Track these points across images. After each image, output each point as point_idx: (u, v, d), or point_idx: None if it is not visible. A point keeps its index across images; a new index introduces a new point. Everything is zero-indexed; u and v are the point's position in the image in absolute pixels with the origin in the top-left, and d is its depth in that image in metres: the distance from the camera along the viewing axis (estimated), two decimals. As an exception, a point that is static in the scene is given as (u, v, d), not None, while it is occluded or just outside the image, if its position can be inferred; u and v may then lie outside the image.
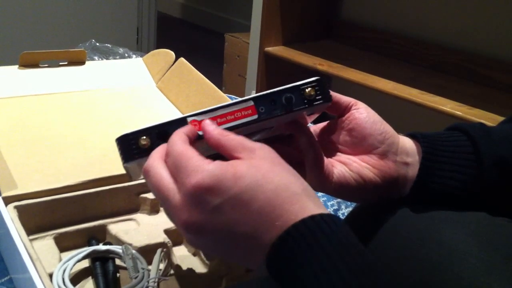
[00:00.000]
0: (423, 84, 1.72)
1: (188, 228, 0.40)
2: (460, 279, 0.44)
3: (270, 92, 0.48)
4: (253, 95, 0.48)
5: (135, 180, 0.53)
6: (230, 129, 0.46)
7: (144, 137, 0.45)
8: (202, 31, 3.85)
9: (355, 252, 0.37)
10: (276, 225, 0.38)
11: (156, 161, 0.43)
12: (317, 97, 0.49)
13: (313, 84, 0.49)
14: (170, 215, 0.42)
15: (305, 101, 0.49)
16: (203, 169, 0.39)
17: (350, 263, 0.36)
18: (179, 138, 0.43)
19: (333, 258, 0.37)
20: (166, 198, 0.41)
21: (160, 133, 0.45)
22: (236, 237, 0.39)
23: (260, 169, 0.39)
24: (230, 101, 0.48)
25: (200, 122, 0.46)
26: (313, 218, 0.38)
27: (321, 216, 0.38)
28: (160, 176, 0.41)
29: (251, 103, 0.47)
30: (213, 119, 0.46)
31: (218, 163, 0.40)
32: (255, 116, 0.47)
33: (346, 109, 0.53)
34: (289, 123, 0.51)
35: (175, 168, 0.41)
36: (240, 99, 0.48)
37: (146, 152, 0.45)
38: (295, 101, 0.48)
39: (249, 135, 0.49)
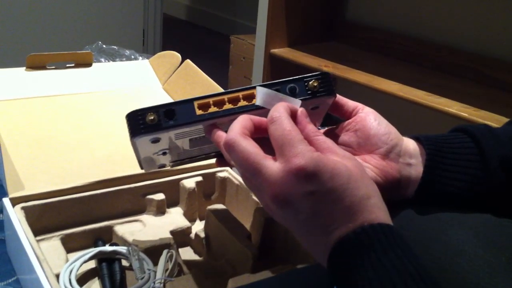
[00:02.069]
0: (429, 86, 1.71)
1: (276, 200, 0.42)
2: (466, 281, 0.44)
3: (275, 82, 0.50)
4: (258, 83, 0.49)
5: (142, 164, 0.54)
6: (233, 112, 0.48)
7: (152, 113, 0.46)
8: (208, 33, 3.86)
9: (415, 263, 0.40)
10: (349, 226, 0.41)
11: (238, 135, 0.44)
12: (320, 90, 0.50)
13: (318, 77, 0.51)
14: (258, 186, 0.44)
15: (309, 92, 0.50)
16: (310, 155, 0.41)
17: (411, 271, 0.39)
18: (286, 115, 0.45)
19: (394, 263, 0.39)
20: (258, 169, 0.43)
21: (167, 111, 0.47)
22: (313, 225, 0.42)
23: (352, 174, 0.42)
24: (236, 88, 0.49)
25: (206, 104, 0.47)
26: (381, 225, 0.41)
27: (388, 226, 0.41)
28: (249, 150, 0.43)
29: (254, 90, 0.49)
30: (218, 102, 0.48)
31: (322, 148, 0.43)
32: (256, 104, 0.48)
33: (353, 112, 0.55)
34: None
35: (282, 142, 0.43)
36: (244, 87, 0.49)
37: (152, 128, 0.47)
38: (298, 91, 0.50)
39: None
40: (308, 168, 0.41)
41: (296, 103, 0.47)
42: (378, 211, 0.42)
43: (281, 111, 0.45)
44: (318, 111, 0.54)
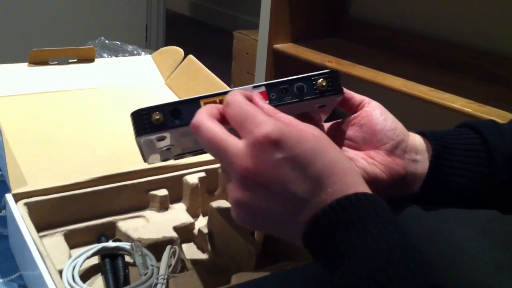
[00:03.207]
0: (433, 81, 1.71)
1: (246, 177, 0.40)
2: (471, 277, 0.44)
3: (283, 80, 0.49)
4: (266, 82, 0.48)
5: (146, 158, 0.54)
6: None
7: (157, 113, 0.46)
8: (211, 29, 3.85)
9: (400, 232, 0.38)
10: (328, 191, 0.39)
11: (205, 116, 0.43)
12: (328, 89, 0.50)
13: (325, 75, 0.50)
14: (228, 165, 0.42)
15: (317, 91, 0.49)
16: (272, 123, 0.40)
17: (397, 241, 0.37)
18: (241, 96, 0.44)
19: (381, 232, 0.37)
20: (224, 147, 0.41)
21: (174, 111, 0.46)
22: (288, 196, 0.40)
23: (320, 140, 0.41)
24: (243, 86, 0.49)
25: (210, 102, 0.47)
26: (365, 194, 0.39)
27: (372, 195, 0.40)
28: (214, 128, 0.42)
29: (263, 89, 0.48)
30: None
31: (285, 123, 0.41)
32: (266, 102, 0.48)
33: (359, 106, 0.54)
34: (302, 117, 0.52)
35: (241, 118, 0.42)
36: (253, 84, 0.48)
37: (158, 127, 0.46)
38: (306, 90, 0.49)
39: None
40: (273, 135, 0.39)
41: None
42: (353, 174, 0.41)
43: (235, 94, 0.44)
44: (325, 109, 0.54)
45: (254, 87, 0.49)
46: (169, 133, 0.48)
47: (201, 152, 0.57)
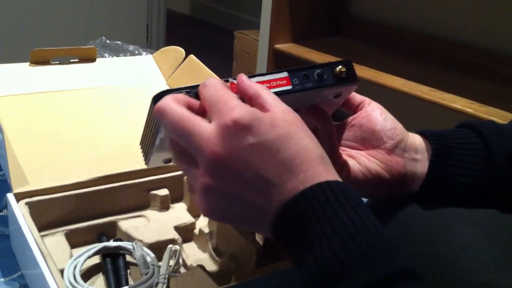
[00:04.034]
0: (434, 81, 1.71)
1: (216, 161, 0.39)
2: (471, 277, 0.44)
3: (303, 67, 0.50)
4: (288, 68, 0.49)
5: (149, 158, 0.53)
6: None
7: (185, 92, 0.45)
8: (212, 28, 3.85)
9: (370, 220, 0.38)
10: (300, 177, 0.39)
11: (171, 100, 0.42)
12: (347, 76, 0.51)
13: (343, 64, 0.51)
14: (196, 149, 0.41)
15: (336, 78, 0.50)
16: (245, 108, 0.40)
17: (368, 228, 0.37)
18: (220, 80, 0.43)
19: (353, 220, 0.37)
20: (192, 129, 0.40)
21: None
22: (260, 181, 0.39)
23: (293, 125, 0.41)
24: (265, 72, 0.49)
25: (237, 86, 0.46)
26: (336, 182, 0.39)
27: (343, 184, 0.40)
28: (180, 110, 0.41)
29: (286, 74, 0.49)
30: None
31: (257, 109, 0.41)
32: (290, 87, 0.48)
33: (359, 106, 0.55)
34: (313, 110, 0.52)
35: (215, 100, 0.41)
36: (274, 71, 0.49)
37: None
38: (326, 77, 0.50)
39: None
40: (244, 119, 0.39)
41: None
42: (325, 162, 0.41)
43: (214, 78, 0.44)
44: (339, 99, 0.54)
45: (271, 73, 0.49)
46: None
47: None
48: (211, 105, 0.41)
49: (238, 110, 0.39)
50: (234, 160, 0.39)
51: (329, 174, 0.40)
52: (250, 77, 0.47)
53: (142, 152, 0.53)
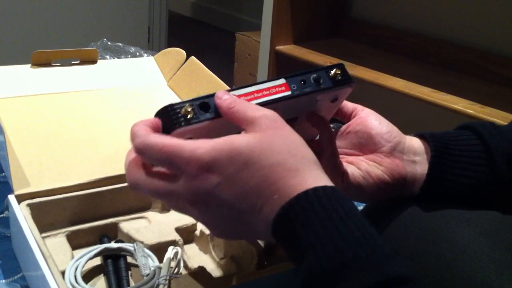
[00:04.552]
0: (435, 82, 1.71)
1: (196, 208, 0.41)
2: (472, 278, 0.44)
3: (299, 73, 0.50)
4: (284, 75, 0.49)
5: None
6: (266, 103, 0.47)
7: (188, 105, 0.45)
8: (213, 30, 3.85)
9: (351, 223, 0.38)
10: (275, 198, 0.39)
11: (137, 172, 0.43)
12: (343, 79, 0.51)
13: (337, 67, 0.51)
14: (177, 205, 0.43)
15: (332, 81, 0.50)
16: (199, 152, 0.40)
17: (345, 234, 0.37)
18: (146, 133, 0.43)
19: (327, 228, 0.37)
20: (168, 194, 0.42)
21: (202, 104, 0.46)
22: (238, 213, 0.40)
23: (258, 145, 0.40)
24: (262, 80, 0.49)
25: (238, 96, 0.47)
26: (306, 193, 0.39)
27: (315, 190, 0.39)
28: (152, 183, 0.42)
29: (283, 81, 0.49)
30: (249, 93, 0.47)
31: (213, 143, 0.40)
32: (289, 92, 0.48)
33: (352, 114, 0.55)
34: (312, 116, 0.52)
35: (169, 163, 0.41)
36: (273, 78, 0.49)
37: (189, 120, 0.45)
38: (323, 80, 0.50)
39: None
40: (203, 162, 0.39)
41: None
42: (297, 174, 0.40)
43: (144, 136, 0.42)
44: (336, 103, 0.54)
45: (268, 81, 0.49)
46: (197, 128, 0.47)
47: None
48: (168, 165, 0.42)
49: (194, 158, 0.40)
50: (208, 202, 0.41)
51: (303, 184, 0.39)
52: (249, 85, 0.47)
53: None
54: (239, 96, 0.47)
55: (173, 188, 0.41)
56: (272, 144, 0.40)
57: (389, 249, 0.37)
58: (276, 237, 0.40)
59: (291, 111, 0.51)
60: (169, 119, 0.45)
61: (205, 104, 0.46)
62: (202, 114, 0.45)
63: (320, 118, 0.53)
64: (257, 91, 0.47)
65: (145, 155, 0.42)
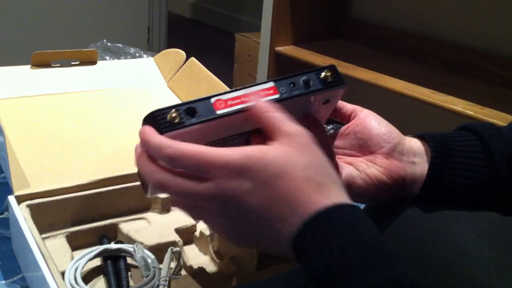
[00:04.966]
0: (434, 83, 1.71)
1: (221, 212, 0.42)
2: (472, 279, 0.44)
3: (289, 76, 0.50)
4: (272, 78, 0.49)
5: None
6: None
7: (174, 111, 0.45)
8: (213, 31, 3.86)
9: (370, 242, 0.39)
10: (300, 211, 0.40)
11: (161, 172, 0.43)
12: (334, 80, 0.51)
13: (328, 69, 0.51)
14: (198, 207, 0.44)
15: (322, 83, 0.50)
16: (231, 158, 0.41)
17: (364, 253, 0.38)
18: (174, 142, 0.43)
19: (347, 246, 0.38)
20: (195, 194, 0.42)
21: (188, 109, 0.46)
22: (262, 221, 0.41)
23: (290, 158, 0.42)
24: (251, 84, 0.49)
25: (224, 100, 0.47)
26: (335, 208, 0.40)
27: (341, 207, 0.40)
28: (179, 182, 0.42)
29: (272, 84, 0.49)
30: (237, 98, 0.47)
31: (244, 150, 0.41)
32: (277, 95, 0.48)
33: (351, 115, 0.55)
34: (305, 119, 0.52)
35: (200, 169, 0.42)
36: (260, 81, 0.49)
37: (175, 125, 0.45)
38: (312, 83, 0.50)
39: None
40: (234, 165, 0.41)
41: None
42: (324, 189, 0.41)
43: (172, 146, 0.43)
44: (329, 105, 0.54)
45: (257, 84, 0.49)
46: (183, 133, 0.47)
47: None
48: (197, 170, 0.42)
49: (225, 163, 0.41)
50: (234, 206, 0.41)
51: (328, 199, 0.41)
52: (236, 89, 0.48)
53: (141, 183, 0.53)
54: (226, 100, 0.47)
55: (200, 188, 0.42)
56: (304, 159, 0.42)
57: (406, 266, 0.38)
58: (296, 249, 0.41)
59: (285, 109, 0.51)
60: (156, 124, 0.45)
61: (192, 109, 0.46)
62: (188, 119, 0.46)
63: (314, 120, 0.52)
64: (245, 95, 0.48)
65: (177, 163, 0.43)
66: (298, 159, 0.42)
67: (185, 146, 0.42)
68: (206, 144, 0.49)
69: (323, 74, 0.50)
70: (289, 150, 0.42)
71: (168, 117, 0.46)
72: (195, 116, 0.46)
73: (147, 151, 0.44)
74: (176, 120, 0.45)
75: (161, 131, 0.46)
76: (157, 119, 0.46)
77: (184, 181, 0.42)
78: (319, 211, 0.40)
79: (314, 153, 0.43)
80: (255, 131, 0.51)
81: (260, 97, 0.48)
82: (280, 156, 0.41)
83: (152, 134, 0.43)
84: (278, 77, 0.49)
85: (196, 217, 0.47)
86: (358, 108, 0.55)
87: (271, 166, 0.41)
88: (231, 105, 0.47)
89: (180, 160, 0.42)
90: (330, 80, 0.51)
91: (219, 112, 0.47)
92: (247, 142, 0.51)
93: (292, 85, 0.49)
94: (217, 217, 0.43)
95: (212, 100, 0.47)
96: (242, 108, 0.47)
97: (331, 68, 0.51)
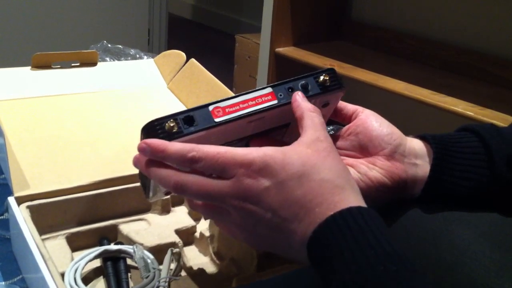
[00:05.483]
0: (434, 84, 1.71)
1: (239, 211, 0.43)
2: (472, 280, 0.44)
3: (287, 80, 0.50)
4: (270, 84, 0.49)
5: (149, 191, 0.54)
6: (252, 113, 0.48)
7: (172, 120, 0.46)
8: (213, 32, 3.86)
9: (385, 243, 0.39)
10: (316, 211, 0.41)
11: (180, 174, 0.44)
12: (332, 84, 0.51)
13: (326, 72, 0.51)
14: (219, 207, 0.45)
15: (320, 87, 0.51)
16: (252, 156, 0.42)
17: (379, 252, 0.38)
18: (194, 145, 0.44)
19: (362, 248, 0.39)
20: (216, 193, 0.43)
21: (187, 118, 0.47)
22: (279, 220, 0.42)
23: (310, 160, 0.43)
24: (249, 90, 0.49)
25: (223, 108, 0.47)
26: (350, 210, 0.41)
27: (358, 208, 0.41)
28: (201, 182, 0.44)
29: (270, 90, 0.49)
30: (235, 105, 0.48)
31: (265, 149, 0.43)
32: (275, 101, 0.49)
33: (353, 116, 0.55)
34: None
35: (222, 169, 0.43)
36: (257, 88, 0.49)
37: (173, 135, 0.46)
38: (310, 87, 0.50)
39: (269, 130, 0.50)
40: (256, 165, 0.42)
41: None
42: (341, 192, 0.42)
43: (193, 150, 0.44)
44: (328, 108, 0.54)
45: (256, 90, 0.49)
46: (184, 140, 0.47)
47: None
48: (219, 170, 0.43)
49: (247, 161, 0.42)
50: (253, 204, 0.42)
51: (345, 201, 0.42)
52: (234, 96, 0.48)
53: (142, 187, 0.54)
54: (224, 108, 0.47)
55: (221, 186, 0.43)
56: (323, 162, 0.43)
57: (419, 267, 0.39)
58: (310, 250, 0.41)
59: (282, 117, 0.51)
60: (155, 133, 0.46)
61: (190, 118, 0.47)
62: (186, 128, 0.46)
63: None
64: (243, 102, 0.48)
65: (199, 164, 0.43)
66: (317, 162, 0.43)
67: (206, 148, 0.43)
68: None
69: (321, 78, 0.51)
70: (309, 152, 0.43)
71: (166, 126, 0.46)
72: (193, 124, 0.46)
73: (161, 159, 0.45)
74: (175, 130, 0.46)
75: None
76: (156, 129, 0.46)
77: (204, 180, 0.43)
78: (334, 213, 0.40)
79: (332, 157, 0.44)
80: (253, 135, 0.51)
81: (258, 103, 0.48)
82: (299, 158, 0.43)
83: (166, 144, 0.44)
84: (277, 82, 0.50)
85: (214, 219, 0.48)
86: (359, 108, 0.55)
87: (291, 166, 0.42)
88: (229, 112, 0.48)
89: (202, 161, 0.43)
90: (328, 84, 0.51)
91: (217, 120, 0.47)
92: (246, 146, 0.51)
93: (290, 90, 0.49)
94: (235, 217, 0.44)
95: (210, 108, 0.47)
96: (240, 115, 0.47)
97: (330, 71, 0.51)
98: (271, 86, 0.49)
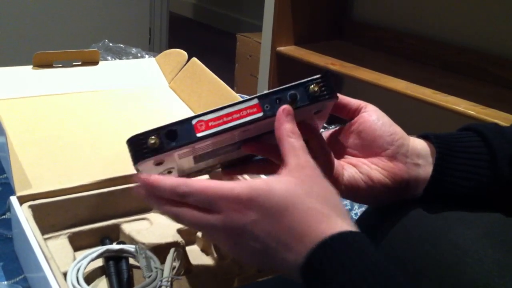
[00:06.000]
0: (436, 84, 1.71)
1: (230, 243, 0.44)
2: (474, 280, 0.44)
3: (275, 90, 0.49)
4: (258, 94, 0.48)
5: None
6: (235, 127, 0.48)
7: (153, 137, 0.46)
8: (214, 31, 3.86)
9: (373, 268, 0.40)
10: (305, 240, 0.42)
11: (175, 206, 0.46)
12: (322, 94, 0.49)
13: (318, 80, 0.49)
14: (213, 236, 0.46)
15: (310, 97, 0.49)
16: (237, 191, 0.43)
17: (368, 278, 0.39)
18: (184, 180, 0.45)
19: (352, 272, 0.39)
20: (207, 226, 0.45)
21: (169, 132, 0.47)
22: (270, 250, 0.43)
23: (295, 190, 0.43)
24: (235, 101, 0.48)
25: (206, 122, 0.47)
26: (333, 238, 0.41)
27: (343, 234, 0.42)
28: (194, 215, 0.45)
29: (256, 101, 0.48)
30: (218, 118, 0.47)
31: (251, 182, 0.43)
32: (260, 114, 0.48)
33: (356, 111, 0.54)
34: (300, 126, 0.51)
35: (209, 203, 0.44)
36: (245, 98, 0.48)
37: (154, 151, 0.47)
38: (299, 98, 0.49)
39: (252, 139, 0.50)
40: (243, 197, 0.42)
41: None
42: (327, 219, 0.42)
43: (184, 185, 0.45)
44: (321, 114, 0.53)
45: (242, 101, 0.48)
46: (166, 156, 0.48)
47: (203, 173, 0.58)
48: (207, 203, 0.44)
49: (232, 196, 0.43)
50: (243, 236, 0.43)
51: (332, 228, 0.42)
52: (218, 109, 0.48)
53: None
54: (207, 121, 0.47)
55: (211, 220, 0.44)
56: (308, 191, 0.43)
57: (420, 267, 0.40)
58: (304, 276, 0.42)
59: (271, 125, 0.49)
60: (139, 148, 0.47)
61: (173, 132, 0.47)
62: (168, 144, 0.46)
63: (308, 127, 0.52)
64: (227, 115, 0.48)
65: (189, 198, 0.45)
66: (303, 191, 0.43)
67: (195, 182, 0.44)
68: (197, 155, 0.50)
69: (311, 87, 0.49)
70: (295, 181, 0.44)
71: (149, 142, 0.46)
72: (176, 140, 0.47)
73: (157, 193, 0.46)
74: (156, 146, 0.46)
75: (144, 156, 0.46)
76: (140, 143, 0.47)
77: (197, 213, 0.45)
78: (323, 240, 0.41)
79: (319, 184, 0.44)
80: (245, 140, 0.51)
81: (243, 116, 0.48)
82: (285, 188, 0.43)
83: (158, 180, 0.46)
84: (265, 93, 0.49)
85: (211, 241, 0.51)
86: (362, 103, 0.54)
87: (276, 197, 0.42)
88: (212, 127, 0.47)
89: (192, 195, 0.44)
90: (318, 94, 0.49)
91: (199, 135, 0.47)
92: (238, 150, 0.52)
93: (278, 101, 0.48)
94: (232, 245, 0.45)
95: (194, 121, 0.47)
96: (223, 129, 0.47)
97: (323, 78, 0.50)
98: (258, 97, 0.48)
